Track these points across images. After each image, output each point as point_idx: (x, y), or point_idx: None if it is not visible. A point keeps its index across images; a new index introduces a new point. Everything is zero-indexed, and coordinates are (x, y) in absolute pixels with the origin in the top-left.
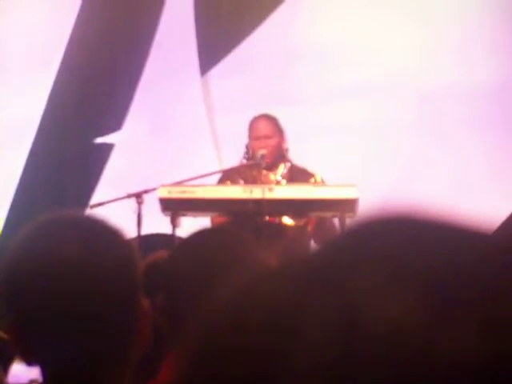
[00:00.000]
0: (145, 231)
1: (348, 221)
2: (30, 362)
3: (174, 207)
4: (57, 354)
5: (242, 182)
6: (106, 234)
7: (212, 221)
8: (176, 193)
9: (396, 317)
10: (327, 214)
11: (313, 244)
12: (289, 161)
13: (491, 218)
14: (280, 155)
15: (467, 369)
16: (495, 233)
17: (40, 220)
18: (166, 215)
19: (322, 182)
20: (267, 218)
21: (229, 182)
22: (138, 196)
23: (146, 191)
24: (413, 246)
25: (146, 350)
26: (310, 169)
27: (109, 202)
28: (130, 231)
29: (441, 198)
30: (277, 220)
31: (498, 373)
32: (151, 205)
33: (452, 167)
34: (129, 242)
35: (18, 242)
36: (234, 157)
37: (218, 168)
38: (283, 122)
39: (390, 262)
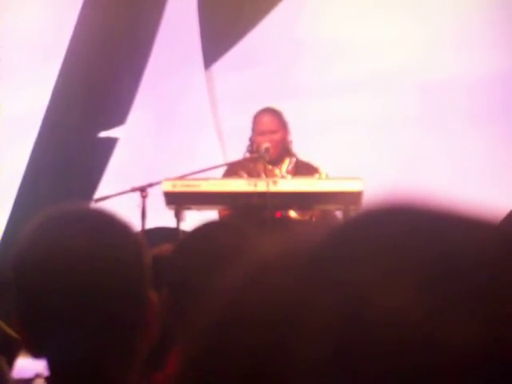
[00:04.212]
0: (149, 225)
1: (352, 214)
2: (36, 356)
3: (178, 201)
4: (64, 347)
5: (245, 176)
6: (113, 227)
7: (219, 214)
8: (180, 186)
9: (398, 307)
10: (331, 207)
11: None
12: (293, 155)
13: (492, 209)
14: (284, 149)
15: (469, 359)
16: (498, 223)
17: (46, 214)
18: (170, 209)
19: (327, 177)
20: (273, 212)
21: (235, 177)
22: (143, 190)
23: (150, 185)
24: (414, 237)
25: (153, 343)
26: (315, 163)
27: (113, 195)
28: (134, 225)
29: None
30: (283, 214)
31: (499, 363)
32: (155, 198)
33: (453, 159)
34: (137, 236)
35: (24, 236)
36: (238, 150)
37: (222, 161)
38: (287, 116)
39: (392, 253)
